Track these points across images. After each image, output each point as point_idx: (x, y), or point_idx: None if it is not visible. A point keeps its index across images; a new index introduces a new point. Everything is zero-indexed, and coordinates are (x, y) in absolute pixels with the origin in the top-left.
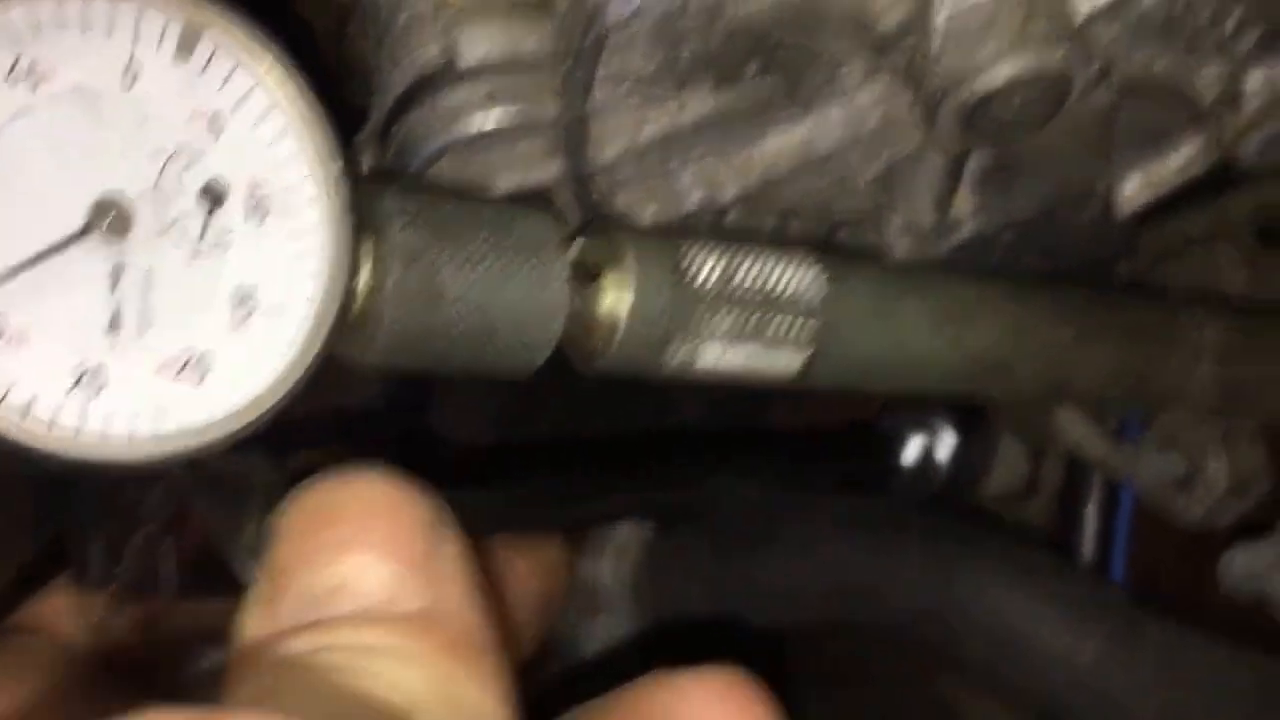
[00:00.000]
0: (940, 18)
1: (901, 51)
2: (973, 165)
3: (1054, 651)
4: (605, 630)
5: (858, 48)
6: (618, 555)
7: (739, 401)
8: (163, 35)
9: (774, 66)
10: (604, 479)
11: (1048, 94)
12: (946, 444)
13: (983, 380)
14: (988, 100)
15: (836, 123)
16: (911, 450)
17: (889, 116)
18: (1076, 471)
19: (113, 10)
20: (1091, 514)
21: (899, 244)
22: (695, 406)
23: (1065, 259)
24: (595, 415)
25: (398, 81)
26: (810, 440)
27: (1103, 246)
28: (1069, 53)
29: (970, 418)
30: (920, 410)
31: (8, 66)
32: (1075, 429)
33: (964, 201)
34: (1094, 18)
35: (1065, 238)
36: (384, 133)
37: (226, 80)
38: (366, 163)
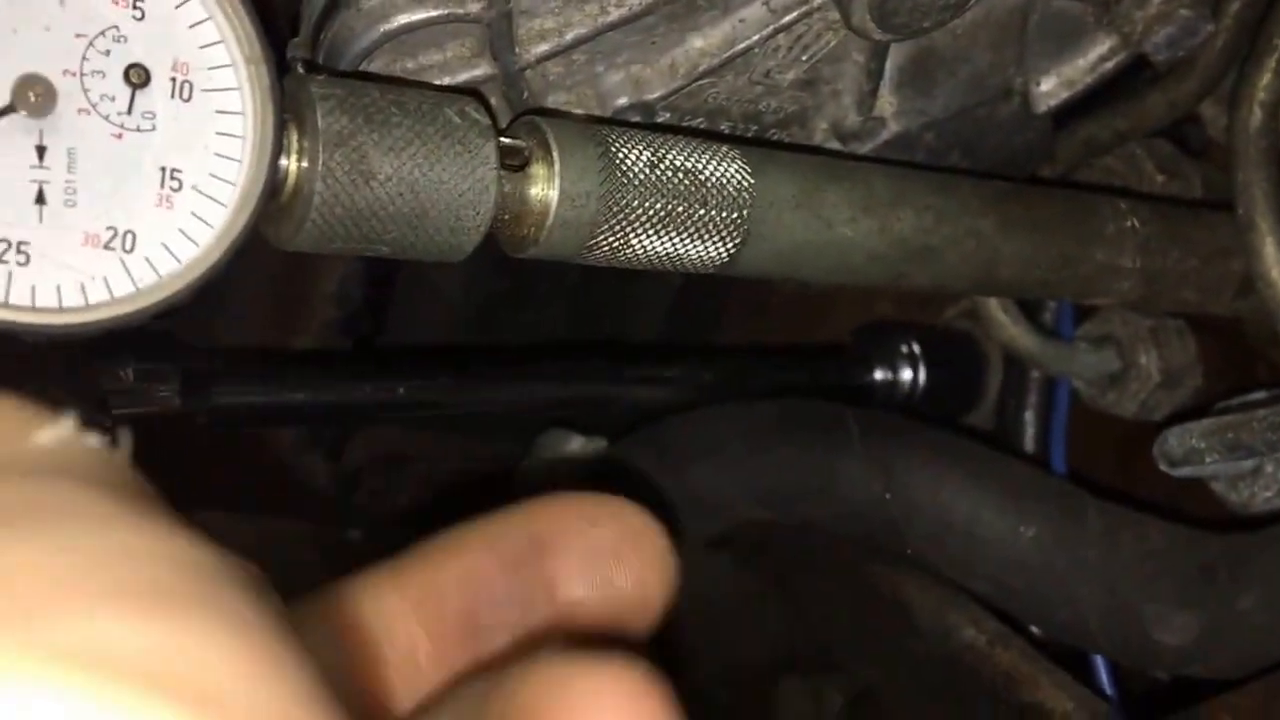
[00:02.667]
0: None
1: None
2: (891, 65)
3: (996, 533)
4: None
5: None
6: (566, 470)
7: (695, 315)
8: None
9: None
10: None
11: None
12: (919, 367)
13: (909, 267)
14: None
15: (755, 21)
16: (880, 372)
17: (808, 14)
18: (1013, 371)
19: None
20: (1030, 413)
21: (825, 145)
22: (651, 321)
23: (987, 159)
24: (552, 325)
25: None
26: (767, 355)
27: (1023, 146)
28: None
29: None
30: (892, 332)
31: None
32: (1008, 327)
33: (885, 102)
34: None
35: (986, 137)
36: (315, 35)
37: None
38: (299, 62)
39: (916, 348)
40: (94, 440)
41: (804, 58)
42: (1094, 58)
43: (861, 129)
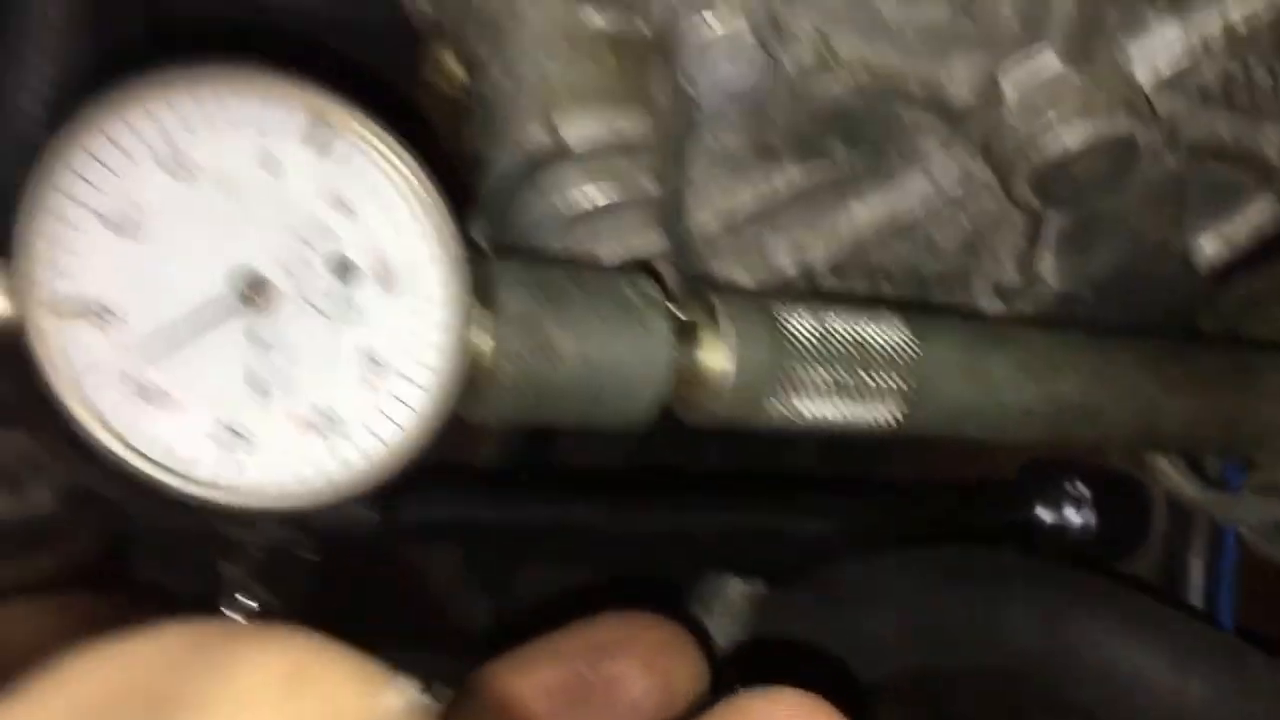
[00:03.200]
0: (1009, 90)
1: (975, 123)
2: (1051, 227)
3: (1162, 688)
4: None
5: (934, 121)
6: (731, 614)
7: (855, 449)
8: (291, 127)
9: (857, 141)
10: (712, 531)
11: (1116, 159)
12: (1083, 507)
13: (1073, 427)
14: (1059, 166)
15: (918, 191)
16: (1045, 511)
17: (968, 183)
18: (1178, 518)
19: (243, 105)
20: (1196, 561)
21: (987, 303)
22: (807, 453)
23: (1147, 314)
24: (707, 454)
25: (507, 164)
26: (930, 490)
27: (1183, 302)
28: (1133, 120)
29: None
30: (1057, 471)
31: (158, 154)
32: (1171, 475)
33: (1045, 262)
34: (1156, 88)
35: (1145, 294)
36: (495, 211)
37: (357, 170)
38: (481, 239)
39: (1081, 488)
40: (432, 701)
41: (965, 222)
42: (1255, 218)
43: (1022, 287)
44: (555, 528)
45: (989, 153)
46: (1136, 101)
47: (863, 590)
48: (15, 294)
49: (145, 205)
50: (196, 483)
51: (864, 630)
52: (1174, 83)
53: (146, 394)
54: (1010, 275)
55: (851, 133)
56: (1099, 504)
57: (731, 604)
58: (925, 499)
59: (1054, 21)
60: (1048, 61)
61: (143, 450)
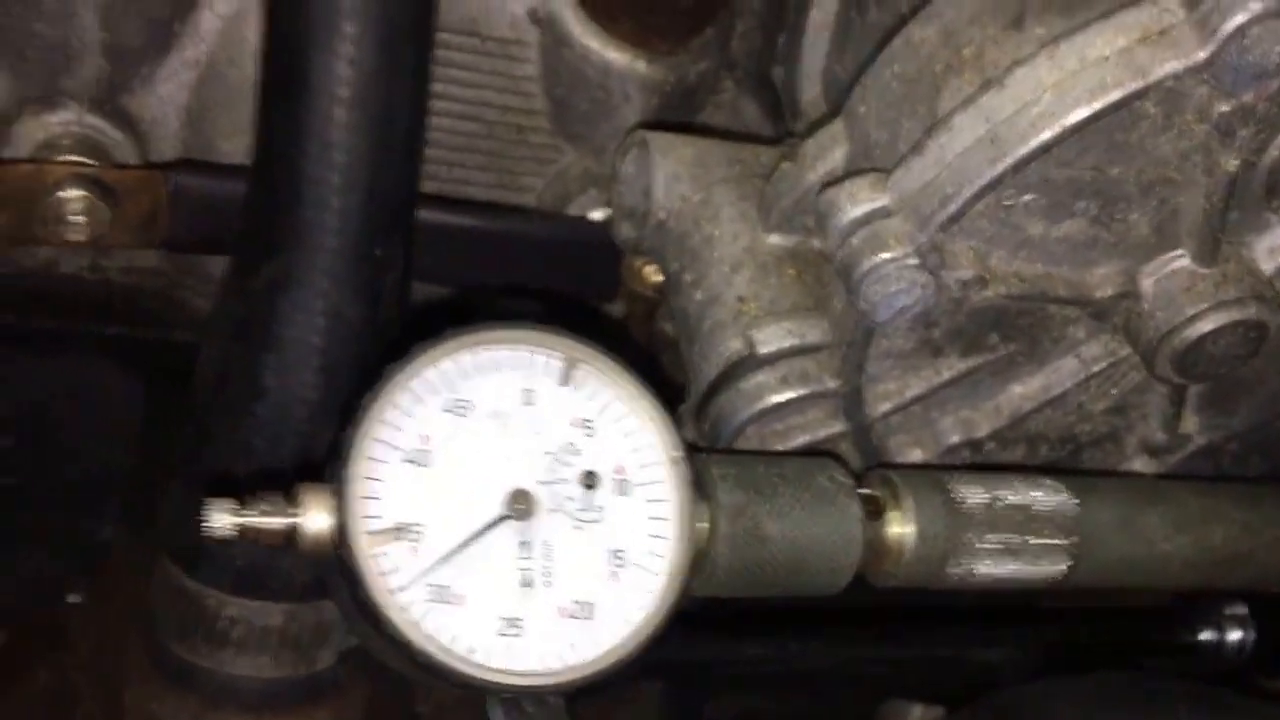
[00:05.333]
0: (1148, 287)
1: (1119, 313)
2: (1193, 391)
3: None
4: None
5: (1081, 314)
6: None
7: None
8: (549, 368)
9: (1012, 333)
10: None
11: (1246, 338)
12: (1240, 628)
13: (1223, 574)
14: (1195, 347)
15: (1069, 371)
16: (1205, 632)
17: (1114, 360)
18: None
19: (514, 355)
20: None
21: (1136, 460)
22: None
23: None
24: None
25: (708, 371)
26: (1093, 615)
27: None
28: (1261, 306)
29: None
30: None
31: (446, 402)
32: None
33: (1190, 421)
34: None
35: None
36: (699, 411)
37: (595, 394)
38: (688, 435)
39: (1239, 608)
40: None
41: (1113, 391)
42: None
43: (1169, 444)
44: (744, 662)
45: (1132, 339)
46: (1263, 290)
47: (1035, 716)
48: (337, 516)
49: (433, 440)
50: (480, 668)
51: None
52: None
53: (442, 596)
54: (1158, 434)
55: (1007, 327)
56: (1259, 625)
57: None
58: (1090, 625)
59: (1184, 229)
60: (1181, 262)
61: (440, 643)
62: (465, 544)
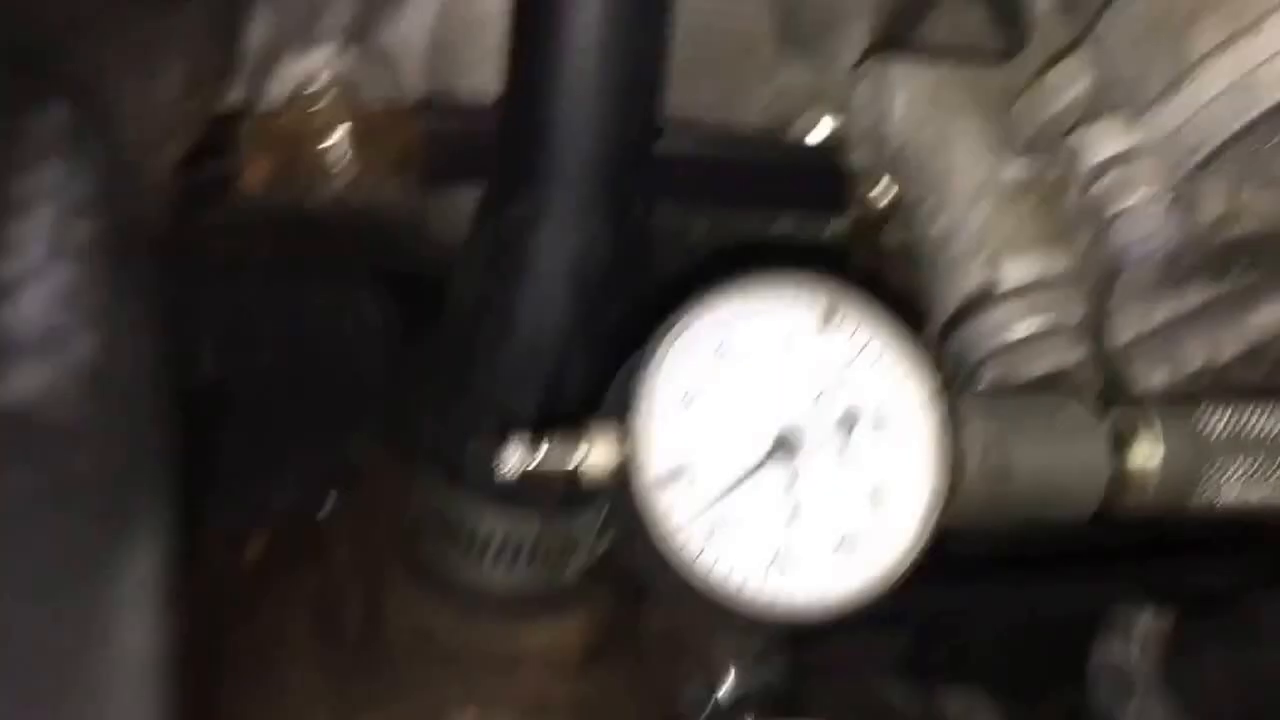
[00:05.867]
0: None
1: None
2: None
3: None
4: (1136, 713)
5: None
6: (1144, 642)
7: None
8: (810, 311)
9: (1259, 262)
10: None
11: None
12: None
13: None
14: None
15: None
16: None
17: None
18: None
19: (778, 300)
20: None
21: None
22: None
23: None
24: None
25: (949, 303)
26: None
27: None
28: None
29: None
30: None
31: (715, 348)
32: None
33: None
34: None
35: None
36: (940, 341)
37: (853, 335)
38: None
39: None
40: None
41: None
42: None
43: None
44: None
45: None
46: None
47: (1269, 626)
48: (622, 458)
49: (704, 384)
50: (752, 601)
51: (1270, 666)
52: None
53: (716, 530)
54: None
55: (1253, 256)
56: None
57: (1143, 636)
58: None
59: None
60: None
61: (715, 576)
62: (736, 484)
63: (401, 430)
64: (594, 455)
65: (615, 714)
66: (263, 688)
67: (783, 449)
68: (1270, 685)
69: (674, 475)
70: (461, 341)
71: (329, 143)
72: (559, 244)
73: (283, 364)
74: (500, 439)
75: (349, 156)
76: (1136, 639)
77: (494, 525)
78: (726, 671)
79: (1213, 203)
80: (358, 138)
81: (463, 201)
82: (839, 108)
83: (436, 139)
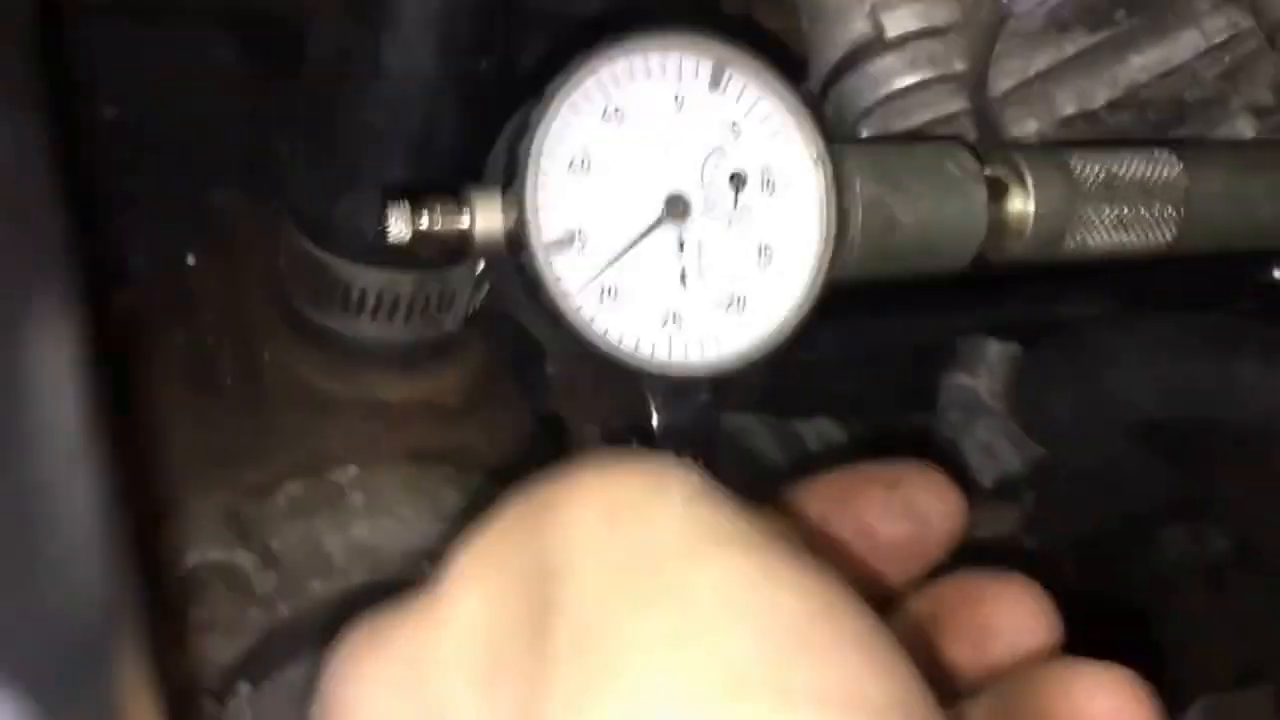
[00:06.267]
0: None
1: None
2: None
3: None
4: (985, 431)
5: None
6: (990, 371)
7: None
8: (698, 72)
9: (1138, 9)
10: (965, 299)
11: None
12: None
13: None
14: None
15: (1189, 42)
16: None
17: (1236, 31)
18: None
19: (664, 59)
20: None
21: (1239, 119)
22: None
23: None
24: None
25: (831, 54)
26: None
27: None
28: None
29: None
30: None
31: (602, 110)
32: None
33: None
34: None
35: None
36: (823, 92)
37: (741, 95)
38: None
39: None
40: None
41: (1226, 59)
42: None
43: (1275, 105)
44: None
45: (1257, 13)
46: None
47: (1107, 352)
48: (513, 225)
49: (593, 149)
50: (648, 359)
51: (1110, 387)
52: None
53: (609, 294)
54: (1265, 97)
55: (1134, 2)
56: None
57: (990, 363)
58: (1167, 272)
59: None
60: None
61: (610, 339)
62: (628, 247)
63: (267, 182)
64: (480, 221)
65: (499, 461)
66: (141, 449)
67: (673, 211)
68: (1109, 405)
69: (565, 240)
70: (325, 95)
71: None
72: None
73: (129, 113)
74: (373, 201)
75: None
76: (985, 365)
77: (368, 282)
78: (649, 406)
79: None
80: None
81: None
82: None
83: None
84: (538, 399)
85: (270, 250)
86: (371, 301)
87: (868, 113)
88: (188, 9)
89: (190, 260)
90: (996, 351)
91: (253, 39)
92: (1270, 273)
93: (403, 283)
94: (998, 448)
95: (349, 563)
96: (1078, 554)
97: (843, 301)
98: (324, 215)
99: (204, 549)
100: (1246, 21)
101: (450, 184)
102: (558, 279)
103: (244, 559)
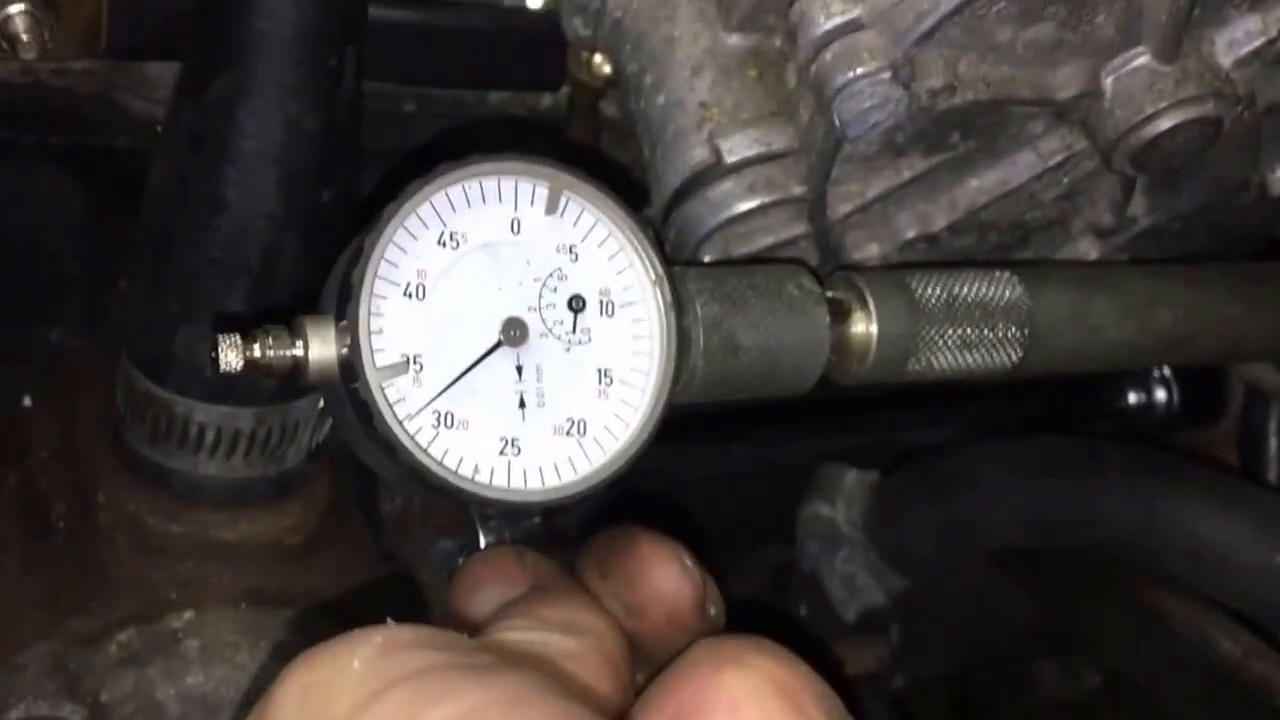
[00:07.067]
0: (1109, 84)
1: (1079, 111)
2: (1141, 178)
3: (1251, 559)
4: (844, 563)
5: (1041, 113)
6: (848, 500)
7: None
8: (534, 197)
9: (973, 132)
10: (820, 424)
11: (1203, 133)
12: (1165, 388)
13: (1167, 355)
14: (1153, 144)
15: (1026, 164)
16: (1133, 392)
17: (1071, 153)
18: (1257, 398)
19: (500, 184)
20: (1274, 442)
21: (1082, 241)
22: None
23: (1228, 236)
24: None
25: (671, 179)
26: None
27: (1260, 224)
28: (1219, 103)
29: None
30: None
31: (440, 236)
32: (1251, 367)
33: (1137, 203)
34: (1238, 64)
35: (1227, 220)
36: (665, 217)
37: (578, 220)
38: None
39: (1167, 370)
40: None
41: (1065, 180)
42: None
43: (1116, 226)
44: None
45: (1091, 135)
46: (1221, 86)
47: (966, 478)
48: (346, 351)
49: (429, 274)
50: (485, 486)
51: (968, 514)
52: (1251, 58)
53: (446, 421)
54: (1105, 217)
55: (969, 127)
56: (1181, 383)
57: (849, 491)
58: (1023, 396)
59: (1147, 27)
60: (1142, 60)
61: (446, 467)
62: (465, 372)
63: (102, 317)
64: (313, 349)
65: (342, 601)
66: None
67: (511, 336)
68: (970, 533)
69: (400, 366)
70: (164, 226)
71: (12, 10)
72: (263, 121)
73: None
74: (210, 333)
75: (34, 25)
76: (843, 494)
77: (206, 418)
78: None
79: (933, 74)
80: (42, 6)
81: (158, 74)
82: None
83: (127, 7)
84: (377, 534)
85: (108, 390)
86: (210, 438)
87: (708, 237)
88: (27, 144)
89: (26, 401)
90: (854, 479)
91: (93, 173)
92: (1125, 396)
93: (242, 417)
94: (859, 580)
95: (183, 713)
96: (949, 692)
97: (695, 425)
98: (161, 350)
99: (29, 702)
100: (1080, 143)
101: (287, 312)
102: (391, 406)
103: (72, 712)
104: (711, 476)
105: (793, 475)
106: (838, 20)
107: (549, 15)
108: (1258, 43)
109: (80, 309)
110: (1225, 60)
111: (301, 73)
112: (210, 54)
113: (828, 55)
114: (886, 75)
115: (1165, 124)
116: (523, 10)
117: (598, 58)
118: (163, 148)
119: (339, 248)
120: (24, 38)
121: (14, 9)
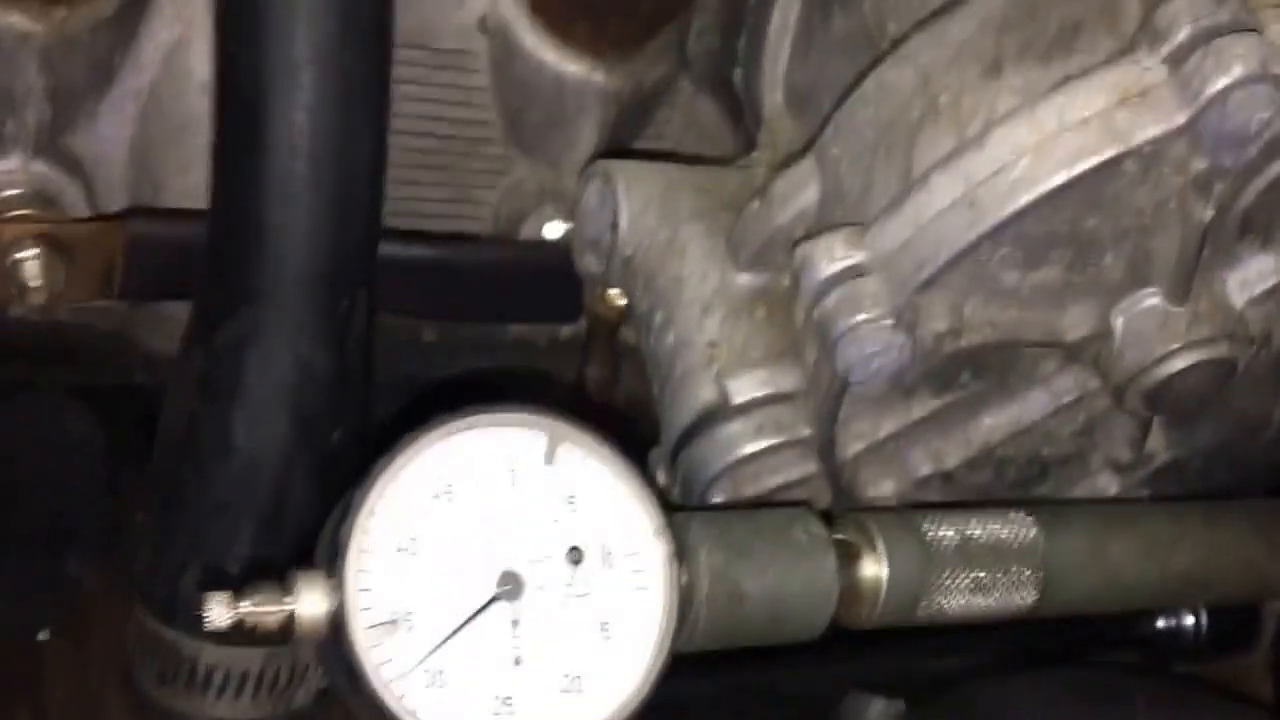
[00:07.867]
0: (1119, 325)
1: (1089, 352)
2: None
3: None
4: None
5: (1052, 353)
6: None
7: None
8: (533, 448)
9: (983, 371)
10: (841, 651)
11: (1217, 374)
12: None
13: (1188, 597)
14: (1165, 385)
15: (1039, 402)
16: (1161, 621)
17: (1084, 392)
18: None
19: (498, 437)
20: None
21: (1101, 476)
22: None
23: (1251, 472)
24: None
25: (679, 420)
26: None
27: None
28: (1232, 344)
29: None
30: None
31: (434, 490)
32: None
33: (1155, 440)
34: (1252, 303)
35: (1248, 456)
36: (672, 458)
37: (577, 471)
38: (660, 481)
39: None
40: None
41: (1081, 417)
42: None
43: (1134, 462)
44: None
45: (1103, 376)
46: (1234, 327)
47: (993, 708)
48: (334, 609)
49: (423, 528)
50: None
51: None
52: (1265, 297)
53: (438, 680)
54: (1123, 453)
55: (979, 367)
56: (1210, 610)
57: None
58: (1047, 624)
59: (1156, 269)
60: (1153, 300)
61: None
62: (458, 629)
63: (120, 553)
64: (303, 604)
65: None
66: None
67: (507, 589)
68: None
69: (390, 623)
70: (173, 467)
71: (22, 255)
72: (273, 364)
73: None
74: (206, 583)
75: (46, 270)
76: None
77: (214, 659)
78: None
79: (938, 318)
80: (54, 250)
81: (174, 312)
82: (570, 211)
83: (141, 251)
84: None
85: (121, 629)
86: (219, 679)
87: (717, 479)
88: (45, 382)
89: (43, 636)
90: (880, 710)
91: (112, 410)
92: (1153, 623)
93: (250, 658)
94: None
95: None
96: None
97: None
98: (169, 591)
99: None
100: (1094, 381)
101: (288, 563)
102: (379, 666)
103: None
104: (729, 705)
105: (811, 706)
106: (839, 266)
107: (566, 248)
108: (1271, 282)
109: (99, 545)
110: (1238, 300)
111: (312, 316)
112: (220, 297)
113: (829, 301)
114: (889, 322)
115: (1177, 365)
116: (540, 243)
117: (613, 290)
118: (172, 390)
119: (349, 488)
120: (32, 284)
121: (24, 254)
